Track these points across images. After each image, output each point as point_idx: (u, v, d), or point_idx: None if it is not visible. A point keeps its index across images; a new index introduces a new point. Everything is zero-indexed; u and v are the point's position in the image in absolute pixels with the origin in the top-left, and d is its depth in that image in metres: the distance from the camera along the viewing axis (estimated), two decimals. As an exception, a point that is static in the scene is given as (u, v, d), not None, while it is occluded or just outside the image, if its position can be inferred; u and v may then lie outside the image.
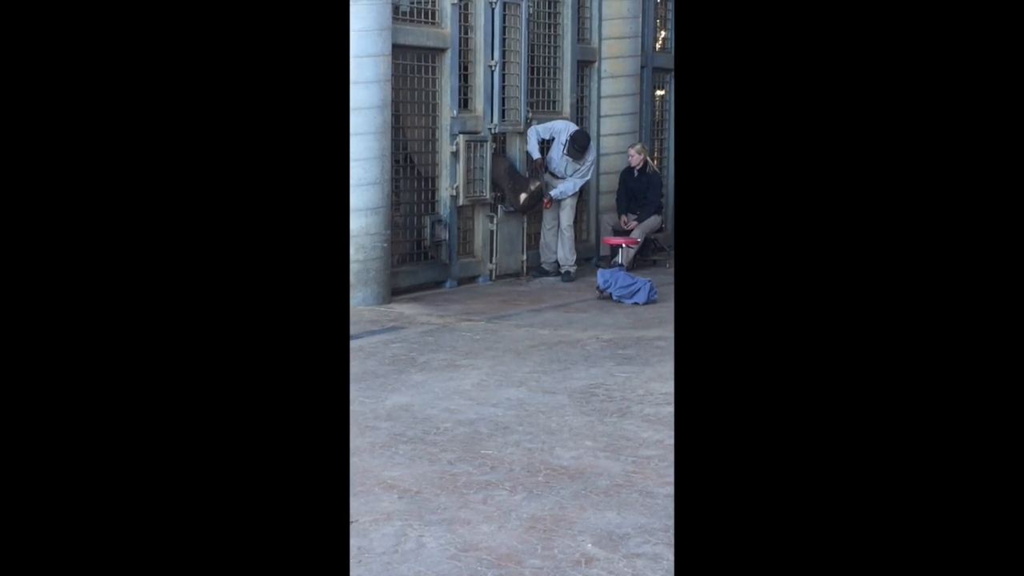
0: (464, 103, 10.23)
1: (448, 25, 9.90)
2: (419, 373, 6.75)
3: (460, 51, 10.09)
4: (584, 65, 11.74)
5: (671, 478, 4.51)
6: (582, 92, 11.79)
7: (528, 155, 10.70)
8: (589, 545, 3.98)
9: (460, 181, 10.04)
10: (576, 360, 7.18)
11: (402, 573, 3.72)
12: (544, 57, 11.21)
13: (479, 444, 5.23)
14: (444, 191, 10.09)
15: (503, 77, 10.48)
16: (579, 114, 11.66)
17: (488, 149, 10.28)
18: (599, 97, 11.85)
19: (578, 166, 10.80)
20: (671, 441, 5.05)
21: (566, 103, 11.38)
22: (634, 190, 11.39)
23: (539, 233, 11.02)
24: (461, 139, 10.00)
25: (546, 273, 10.95)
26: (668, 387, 6.20)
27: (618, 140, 11.80)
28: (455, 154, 10.01)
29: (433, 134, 10.06)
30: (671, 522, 4.04)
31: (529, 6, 10.74)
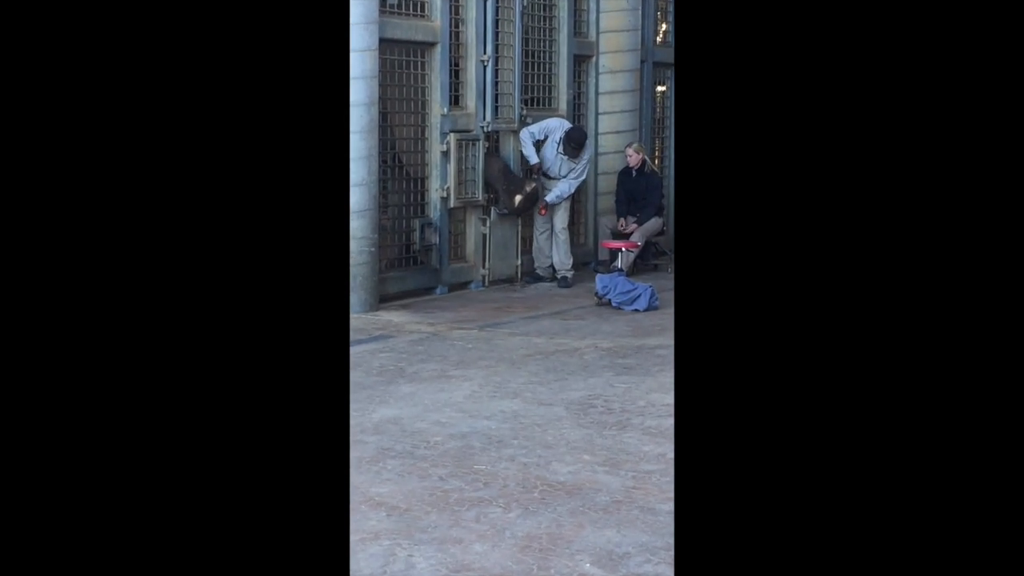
0: (455, 100, 10.25)
1: (438, 18, 9.93)
2: (408, 384, 6.76)
3: (451, 45, 10.11)
4: (581, 60, 11.77)
5: (674, 494, 4.52)
6: (579, 88, 11.81)
7: (524, 159, 10.71)
8: (587, 565, 3.99)
9: (451, 182, 10.05)
10: (574, 370, 7.19)
11: (391, 595, 3.73)
12: (539, 51, 11.24)
13: (471, 459, 5.24)
14: (434, 192, 10.11)
15: (496, 72, 10.50)
16: (576, 111, 11.68)
17: (480, 148, 10.29)
18: (597, 93, 11.87)
19: (573, 165, 10.80)
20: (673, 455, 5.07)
21: (562, 100, 11.41)
22: (633, 191, 11.41)
23: (533, 237, 11.03)
24: (452, 138, 10.02)
25: (541, 279, 10.96)
26: (670, 398, 6.21)
27: (617, 139, 11.82)
28: (445, 154, 10.03)
29: (422, 132, 10.08)
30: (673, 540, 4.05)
31: (523, -2, 10.78)
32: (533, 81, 11.17)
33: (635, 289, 9.56)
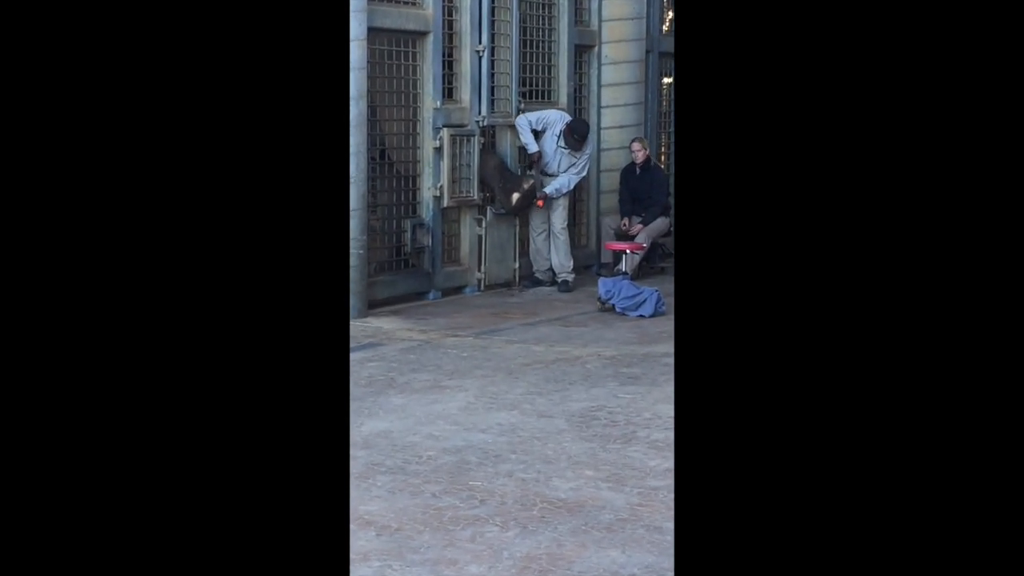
0: (448, 93, 10.25)
1: (430, 6, 9.93)
2: (399, 395, 6.75)
3: (444, 35, 10.12)
4: (582, 50, 11.78)
5: (682, 512, 4.52)
6: (580, 80, 11.83)
7: (524, 148, 10.69)
8: (590, 587, 3.99)
9: (444, 180, 10.05)
10: (575, 380, 7.19)
11: (381, 620, 3.73)
12: (538, 41, 11.25)
13: (467, 475, 5.23)
14: (426, 191, 10.11)
15: (492, 64, 10.50)
16: (577, 104, 11.69)
17: (476, 144, 10.29)
18: (599, 86, 11.88)
19: (574, 160, 10.80)
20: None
21: (562, 92, 11.41)
22: (637, 189, 11.41)
23: (530, 238, 11.01)
24: (445, 133, 10.02)
25: (541, 283, 10.96)
26: (678, 410, 6.21)
27: (621, 133, 11.82)
28: (438, 150, 10.03)
29: (414, 127, 10.08)
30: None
31: (521, -16, 10.79)
32: (531, 72, 11.18)
33: (640, 294, 9.56)
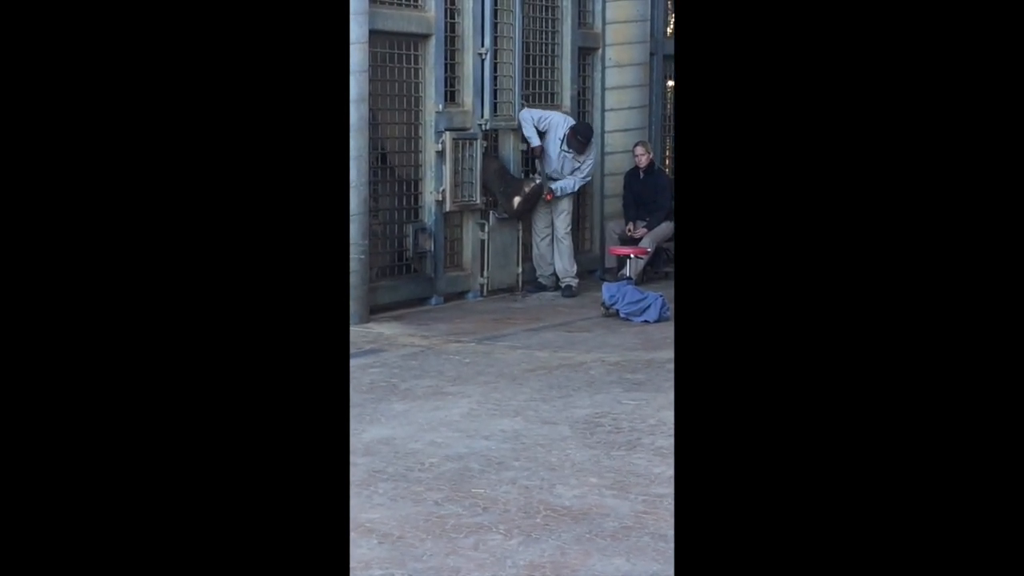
0: (450, 96, 10.25)
1: (432, 8, 9.93)
2: (401, 402, 6.75)
3: (446, 37, 10.12)
4: (586, 53, 11.78)
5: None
6: (584, 83, 11.82)
7: (527, 141, 10.66)
8: (595, 596, 3.98)
9: (446, 184, 10.05)
10: (579, 386, 7.19)
11: (383, 629, 3.72)
12: (541, 44, 11.25)
13: (469, 482, 5.23)
14: (428, 196, 10.11)
15: (495, 67, 10.50)
16: (580, 108, 11.69)
17: (478, 148, 10.29)
18: (603, 89, 11.88)
19: (578, 164, 10.80)
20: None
21: (566, 95, 11.41)
22: (641, 194, 11.42)
23: (533, 243, 11.01)
24: (447, 137, 10.02)
25: (544, 288, 10.95)
26: (683, 416, 6.21)
27: (625, 137, 11.83)
28: (440, 154, 10.02)
29: (416, 131, 10.08)
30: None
31: (523, -14, 10.79)
32: (534, 76, 11.18)
33: (645, 299, 9.56)
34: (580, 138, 10.66)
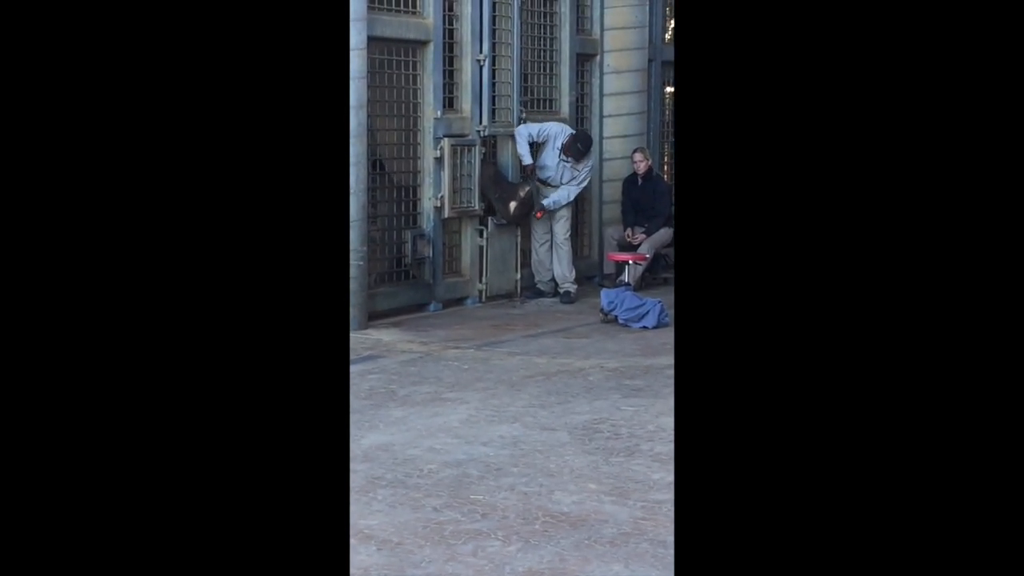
0: (449, 102, 10.26)
1: (431, 15, 9.94)
2: (400, 408, 6.75)
3: (444, 44, 10.13)
4: (584, 59, 11.79)
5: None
6: (582, 89, 11.84)
7: (520, 158, 10.70)
8: (593, 602, 3.98)
9: (445, 190, 10.05)
10: (577, 392, 7.19)
11: (381, 635, 3.72)
12: (539, 50, 11.26)
13: (468, 488, 5.23)
14: (427, 202, 10.11)
15: (493, 73, 10.51)
16: (579, 114, 11.70)
17: (476, 154, 10.29)
18: (601, 95, 11.89)
19: (576, 172, 10.80)
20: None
21: (564, 102, 11.42)
22: (639, 200, 11.42)
23: (532, 249, 11.01)
24: (446, 143, 10.02)
25: (542, 294, 10.96)
26: (682, 422, 6.21)
27: (623, 143, 11.83)
28: (439, 160, 10.03)
29: (414, 137, 10.09)
30: None
31: (522, -7, 10.80)
32: (533, 82, 11.19)
33: (643, 305, 9.56)
34: (580, 146, 10.67)
